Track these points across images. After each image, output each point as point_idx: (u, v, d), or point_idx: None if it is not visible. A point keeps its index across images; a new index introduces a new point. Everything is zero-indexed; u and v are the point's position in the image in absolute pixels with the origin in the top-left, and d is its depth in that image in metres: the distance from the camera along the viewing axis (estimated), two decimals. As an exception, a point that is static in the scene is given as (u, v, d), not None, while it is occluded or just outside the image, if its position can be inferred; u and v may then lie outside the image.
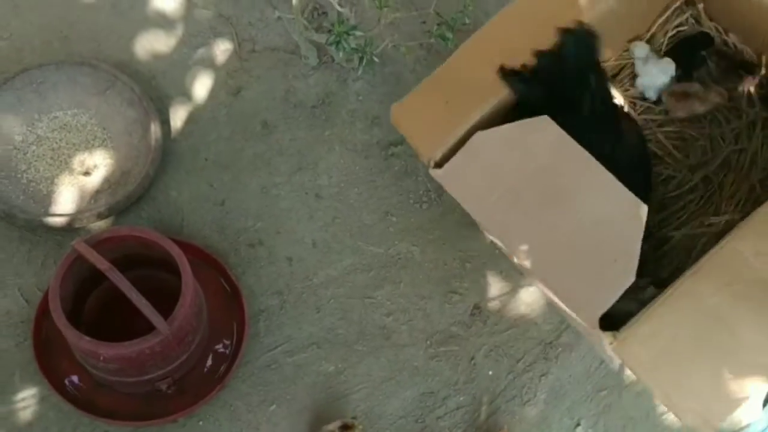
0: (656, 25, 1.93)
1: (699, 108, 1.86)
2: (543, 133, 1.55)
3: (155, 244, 1.65)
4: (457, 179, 1.59)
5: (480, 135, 1.57)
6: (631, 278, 1.47)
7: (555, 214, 1.54)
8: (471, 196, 1.59)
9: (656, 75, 1.88)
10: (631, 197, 1.50)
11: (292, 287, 1.89)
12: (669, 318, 1.49)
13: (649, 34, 1.94)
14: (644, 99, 1.91)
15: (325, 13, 2.10)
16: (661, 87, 1.89)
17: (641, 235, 1.48)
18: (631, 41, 1.93)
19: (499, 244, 1.64)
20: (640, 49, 1.90)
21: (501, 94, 1.64)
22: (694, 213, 1.82)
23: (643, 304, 1.57)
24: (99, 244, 1.61)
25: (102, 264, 1.57)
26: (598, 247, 1.51)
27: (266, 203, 1.95)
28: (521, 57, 1.64)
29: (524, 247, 1.54)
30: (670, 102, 1.88)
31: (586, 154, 1.54)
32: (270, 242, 1.92)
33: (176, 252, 1.64)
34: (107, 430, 1.74)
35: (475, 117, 1.63)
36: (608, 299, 1.47)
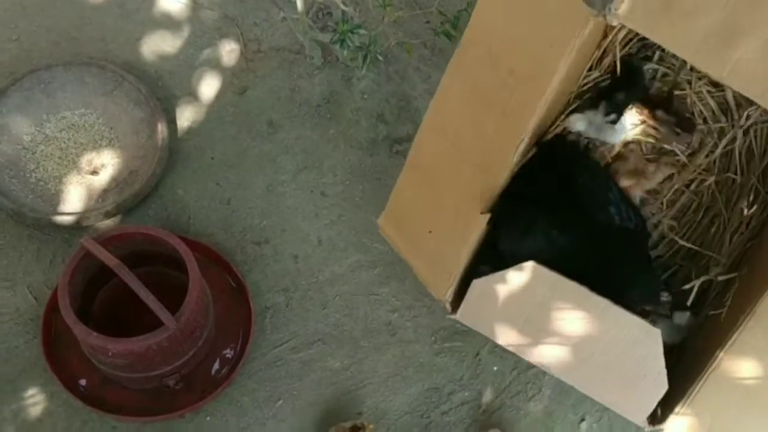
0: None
1: (649, 185, 1.83)
2: (535, 275, 1.56)
3: (162, 241, 1.67)
4: (475, 318, 1.65)
5: (477, 283, 1.58)
6: (665, 388, 1.53)
7: (576, 340, 1.58)
8: (496, 331, 1.63)
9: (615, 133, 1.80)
10: (642, 324, 1.53)
11: (298, 284, 1.91)
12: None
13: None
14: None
15: (330, 13, 2.12)
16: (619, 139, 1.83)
17: (662, 354, 1.52)
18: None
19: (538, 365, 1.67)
20: (580, 122, 1.80)
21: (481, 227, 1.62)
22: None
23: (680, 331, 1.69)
24: (107, 241, 1.63)
25: (110, 260, 1.58)
26: (624, 367, 1.57)
27: (272, 201, 1.97)
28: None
29: (562, 368, 1.61)
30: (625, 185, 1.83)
31: (584, 290, 1.54)
32: (276, 240, 1.94)
33: (183, 249, 1.66)
34: (115, 425, 1.75)
35: (467, 251, 1.63)
36: (649, 405, 1.55)
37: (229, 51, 2.10)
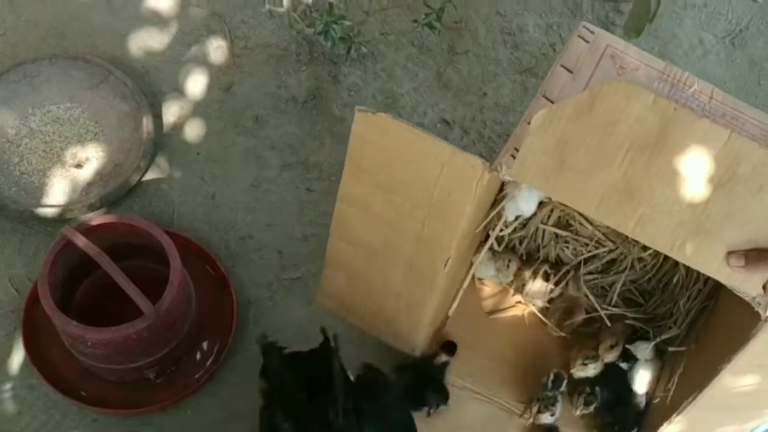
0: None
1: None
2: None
3: (145, 233, 1.66)
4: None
5: None
6: None
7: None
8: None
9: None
10: None
11: (282, 280, 1.90)
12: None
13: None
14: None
15: (318, 10, 2.12)
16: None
17: None
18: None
19: None
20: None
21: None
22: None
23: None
24: (89, 231, 1.63)
25: (91, 249, 1.58)
26: None
27: (257, 197, 1.96)
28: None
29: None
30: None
31: None
32: (260, 235, 1.93)
33: (165, 239, 1.65)
34: (95, 418, 1.74)
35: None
36: None
37: (216, 48, 2.10)
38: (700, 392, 1.50)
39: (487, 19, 2.17)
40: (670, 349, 1.72)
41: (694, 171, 1.25)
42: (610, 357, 1.76)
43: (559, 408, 1.74)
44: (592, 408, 1.73)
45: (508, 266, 1.82)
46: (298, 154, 2.00)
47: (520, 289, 1.83)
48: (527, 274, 1.83)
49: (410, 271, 1.59)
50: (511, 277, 1.84)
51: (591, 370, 1.75)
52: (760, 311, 1.32)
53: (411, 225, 1.49)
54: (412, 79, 2.09)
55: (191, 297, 1.73)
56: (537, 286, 1.81)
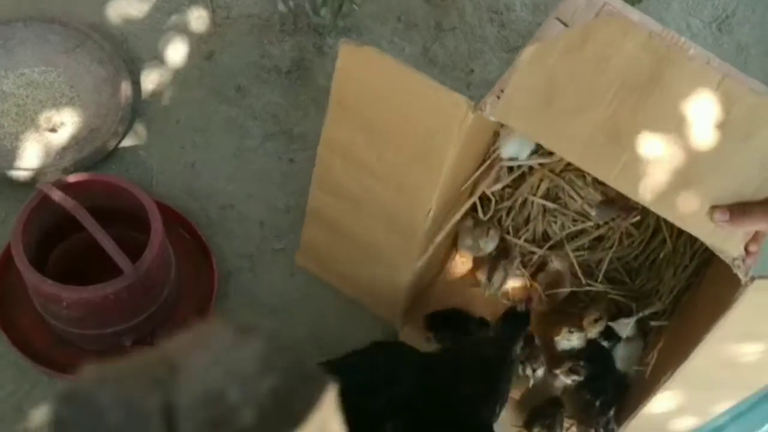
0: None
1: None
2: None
3: (125, 193, 1.59)
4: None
5: None
6: None
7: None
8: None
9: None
10: None
11: (263, 250, 1.84)
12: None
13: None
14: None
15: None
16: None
17: None
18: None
19: None
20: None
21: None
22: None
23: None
24: (65, 188, 1.55)
25: (67, 202, 1.50)
26: None
27: (239, 166, 1.90)
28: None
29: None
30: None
31: None
32: (241, 206, 1.87)
33: (146, 199, 1.58)
34: (67, 388, 1.65)
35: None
36: None
37: (197, 17, 2.04)
38: (679, 366, 1.44)
39: (473, -4, 2.15)
40: (652, 323, 1.68)
41: (684, 114, 1.20)
42: (594, 331, 1.72)
43: (542, 365, 1.68)
44: (577, 377, 1.67)
45: (487, 236, 1.77)
46: (282, 125, 1.95)
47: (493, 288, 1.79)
48: (499, 275, 1.78)
49: (392, 225, 1.53)
50: (489, 251, 1.79)
51: (575, 341, 1.71)
52: (740, 274, 1.25)
53: (393, 172, 1.44)
54: (398, 54, 2.05)
55: (171, 263, 1.66)
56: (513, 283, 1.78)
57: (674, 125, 1.22)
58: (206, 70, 1.98)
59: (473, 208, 1.73)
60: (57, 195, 1.50)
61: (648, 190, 1.25)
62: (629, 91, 1.22)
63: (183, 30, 2.02)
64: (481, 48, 2.11)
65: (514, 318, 1.63)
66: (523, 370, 1.68)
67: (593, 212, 1.71)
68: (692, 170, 1.22)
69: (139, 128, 1.90)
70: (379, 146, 1.42)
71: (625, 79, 1.21)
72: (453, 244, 1.83)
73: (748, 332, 1.36)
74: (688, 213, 1.25)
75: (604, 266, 1.78)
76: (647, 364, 1.61)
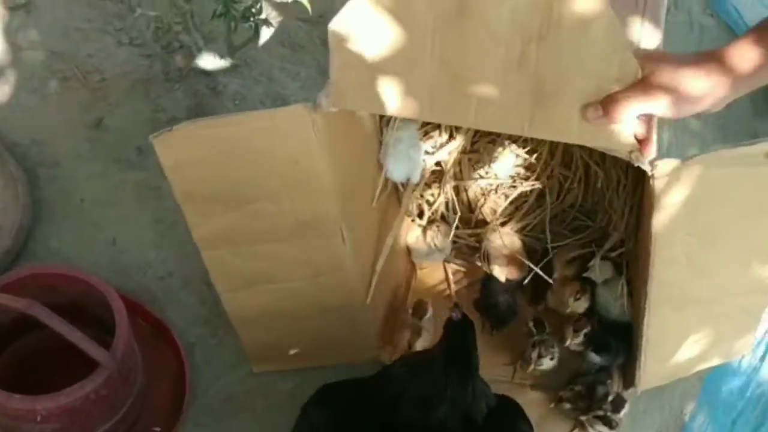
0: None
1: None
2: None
3: (71, 281, 1.39)
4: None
5: None
6: None
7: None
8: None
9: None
10: None
11: (220, 311, 1.66)
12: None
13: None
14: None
15: (168, 31, 1.93)
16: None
17: None
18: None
19: None
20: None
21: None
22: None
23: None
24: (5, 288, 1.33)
25: (18, 302, 1.28)
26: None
27: (164, 231, 1.73)
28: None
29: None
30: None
31: None
32: (180, 270, 1.69)
33: (95, 281, 1.39)
34: None
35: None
36: None
37: (67, 87, 1.84)
38: (645, 288, 1.38)
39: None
40: (612, 254, 1.62)
41: (507, 32, 1.10)
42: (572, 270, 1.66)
43: (554, 356, 1.61)
44: (582, 335, 1.60)
45: (438, 232, 1.70)
46: (197, 177, 1.78)
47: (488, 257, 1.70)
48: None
49: (318, 273, 1.42)
50: (448, 245, 1.72)
51: (584, 304, 1.64)
52: (642, 166, 1.19)
53: (285, 222, 1.33)
54: (294, 78, 1.95)
55: (135, 346, 1.46)
56: (499, 241, 1.69)
57: (502, 45, 1.11)
58: (98, 140, 1.79)
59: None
60: (3, 298, 1.28)
61: (511, 120, 1.16)
62: (444, 26, 1.11)
63: (57, 102, 1.82)
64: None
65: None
66: (532, 353, 1.59)
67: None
68: (544, 83, 1.12)
69: (43, 216, 1.69)
70: (256, 211, 1.31)
71: (435, 16, 1.10)
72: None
73: (694, 224, 1.29)
74: (563, 127, 1.16)
75: (547, 217, 1.70)
76: (621, 298, 1.56)
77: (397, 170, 1.53)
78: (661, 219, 1.28)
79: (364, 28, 1.12)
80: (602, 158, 1.62)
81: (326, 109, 1.19)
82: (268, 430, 1.57)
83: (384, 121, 1.50)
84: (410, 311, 1.61)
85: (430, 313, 1.59)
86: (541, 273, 1.62)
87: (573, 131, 1.17)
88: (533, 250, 1.72)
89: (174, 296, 1.66)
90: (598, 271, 1.61)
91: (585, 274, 1.63)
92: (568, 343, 1.60)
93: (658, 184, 1.22)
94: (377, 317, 1.57)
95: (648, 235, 1.32)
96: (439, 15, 1.10)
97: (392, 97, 1.17)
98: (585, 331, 1.59)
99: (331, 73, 1.17)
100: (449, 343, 1.33)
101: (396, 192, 1.64)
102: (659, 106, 1.09)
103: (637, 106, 1.10)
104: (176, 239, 1.72)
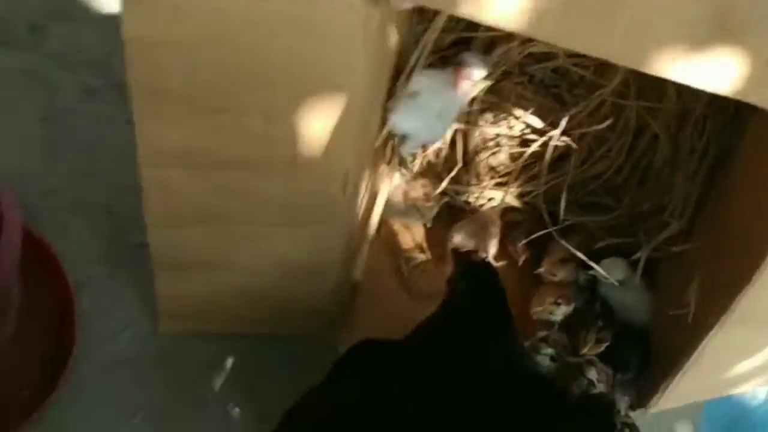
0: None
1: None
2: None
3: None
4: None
5: None
6: None
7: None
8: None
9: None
10: None
11: (123, 249, 1.29)
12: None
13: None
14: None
15: None
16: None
17: None
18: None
19: None
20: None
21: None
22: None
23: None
24: None
25: None
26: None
27: (52, 136, 1.36)
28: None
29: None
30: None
31: None
32: (70, 189, 1.31)
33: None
34: None
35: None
36: None
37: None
38: (733, 301, 1.09)
39: None
40: (674, 249, 1.28)
41: None
42: (560, 275, 1.37)
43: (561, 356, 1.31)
44: (603, 347, 1.30)
45: (423, 189, 1.38)
46: (105, 74, 1.40)
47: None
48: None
49: (294, 220, 1.08)
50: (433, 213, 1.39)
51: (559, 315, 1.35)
52: None
53: (273, 149, 0.98)
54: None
55: (13, 276, 1.07)
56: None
57: None
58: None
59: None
60: None
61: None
62: None
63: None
64: None
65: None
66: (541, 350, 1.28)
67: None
68: None
69: None
70: (238, 122, 0.94)
71: None
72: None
73: None
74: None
75: (564, 188, 1.30)
76: (687, 305, 1.26)
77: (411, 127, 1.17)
78: None
79: None
80: (678, 123, 1.29)
81: (395, 3, 0.85)
82: (178, 408, 1.20)
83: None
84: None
85: None
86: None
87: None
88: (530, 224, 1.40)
89: (58, 219, 1.27)
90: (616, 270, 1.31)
91: (591, 272, 1.33)
92: (583, 351, 1.29)
93: None
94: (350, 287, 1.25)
95: (750, 241, 1.04)
96: None
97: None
98: (606, 343, 1.29)
99: None
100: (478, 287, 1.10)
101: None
102: None
103: None
104: (67, 147, 1.32)
